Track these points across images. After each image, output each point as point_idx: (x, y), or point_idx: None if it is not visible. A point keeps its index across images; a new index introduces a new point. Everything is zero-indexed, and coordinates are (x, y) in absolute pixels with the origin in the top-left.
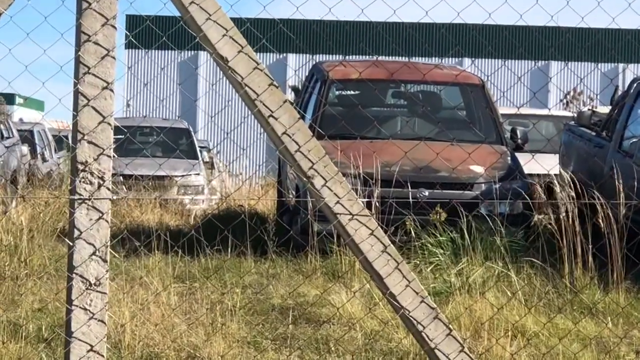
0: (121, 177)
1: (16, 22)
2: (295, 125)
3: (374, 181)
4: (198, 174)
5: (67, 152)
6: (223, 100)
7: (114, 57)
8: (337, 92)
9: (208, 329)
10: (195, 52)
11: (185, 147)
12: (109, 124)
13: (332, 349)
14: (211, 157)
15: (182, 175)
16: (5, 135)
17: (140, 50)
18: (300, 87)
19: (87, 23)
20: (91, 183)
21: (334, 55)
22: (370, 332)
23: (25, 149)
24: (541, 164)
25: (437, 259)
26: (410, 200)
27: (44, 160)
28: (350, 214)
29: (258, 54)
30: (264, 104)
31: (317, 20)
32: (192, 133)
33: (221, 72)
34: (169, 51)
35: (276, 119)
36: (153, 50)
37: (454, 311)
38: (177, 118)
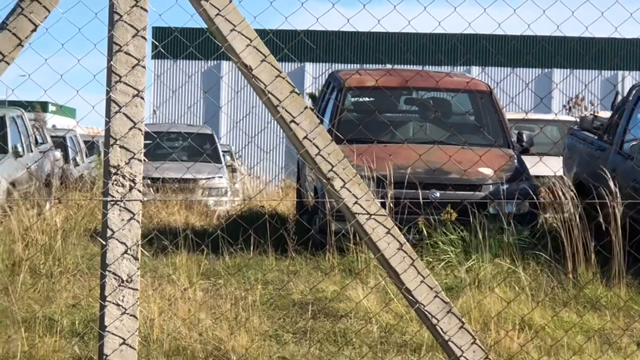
0: (149, 180)
1: (51, 34)
2: (316, 130)
3: (388, 183)
4: (221, 177)
5: (97, 157)
6: (246, 106)
7: (144, 67)
8: (352, 99)
9: (232, 323)
10: (218, 61)
11: (210, 152)
12: (140, 129)
13: (350, 341)
14: (233, 161)
15: (207, 178)
16: (40, 141)
17: (165, 60)
18: (317, 94)
19: (119, 34)
20: (123, 185)
21: (350, 64)
22: (386, 326)
23: (58, 154)
24: (547, 166)
25: (448, 256)
26: (422, 200)
27: (75, 164)
28: (368, 213)
29: (278, 62)
30: (286, 110)
31: (335, 31)
32: (216, 138)
33: (244, 81)
34: (193, 61)
35: (297, 124)
36: (178, 60)
37: (464, 305)
38: (202, 124)
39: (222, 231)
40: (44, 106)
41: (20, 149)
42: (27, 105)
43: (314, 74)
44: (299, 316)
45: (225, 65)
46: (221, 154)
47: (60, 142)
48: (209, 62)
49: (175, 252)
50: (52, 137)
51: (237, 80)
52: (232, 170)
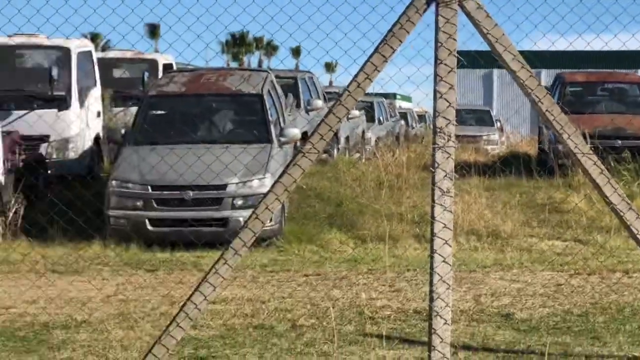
0: None
1: (403, 54)
2: (552, 106)
3: (588, 136)
4: (494, 134)
5: (425, 124)
6: (512, 94)
7: (454, 72)
8: (570, 89)
9: (502, 216)
10: (491, 69)
11: (487, 120)
12: (453, 107)
13: (570, 226)
14: (501, 125)
15: (486, 134)
16: (392, 115)
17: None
18: (547, 87)
19: (440, 54)
20: (444, 138)
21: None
22: (590, 217)
23: (402, 122)
24: None
25: (625, 177)
26: (610, 146)
27: (412, 128)
28: (583, 153)
29: None
30: (535, 95)
31: (562, 50)
32: (491, 112)
33: (509, 79)
34: (475, 69)
35: (542, 102)
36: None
37: (636, 205)
38: (482, 104)
39: (495, 164)
40: (393, 95)
41: (382, 119)
42: (383, 95)
43: (547, 76)
44: (540, 212)
45: (496, 72)
46: (494, 120)
47: (404, 116)
48: (485, 70)
49: (468, 175)
50: (399, 112)
51: (504, 80)
52: (500, 130)
